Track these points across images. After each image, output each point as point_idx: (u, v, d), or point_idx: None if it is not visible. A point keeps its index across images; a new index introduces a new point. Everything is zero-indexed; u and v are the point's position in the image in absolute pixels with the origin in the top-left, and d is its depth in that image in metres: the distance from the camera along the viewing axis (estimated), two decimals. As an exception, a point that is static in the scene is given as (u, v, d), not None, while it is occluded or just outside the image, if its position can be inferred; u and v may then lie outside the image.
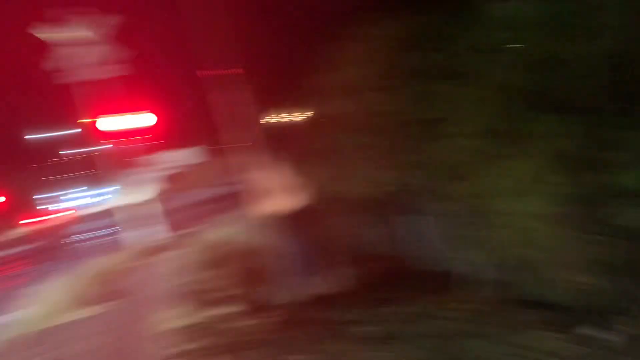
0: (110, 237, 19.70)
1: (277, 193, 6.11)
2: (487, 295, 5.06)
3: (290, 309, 6.02)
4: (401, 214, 6.36)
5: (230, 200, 19.24)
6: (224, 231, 10.90)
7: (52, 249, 21.32)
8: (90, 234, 23.04)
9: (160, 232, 13.21)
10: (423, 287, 5.87)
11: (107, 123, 13.23)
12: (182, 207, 23.77)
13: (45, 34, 11.98)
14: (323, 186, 7.16)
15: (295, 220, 6.29)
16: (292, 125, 11.06)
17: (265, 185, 6.11)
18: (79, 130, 13.12)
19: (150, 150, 14.28)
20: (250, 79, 6.03)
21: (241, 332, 5.64)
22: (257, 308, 6.23)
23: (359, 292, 6.16)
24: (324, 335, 5.02)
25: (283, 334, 5.32)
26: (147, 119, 12.94)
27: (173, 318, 6.42)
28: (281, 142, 7.26)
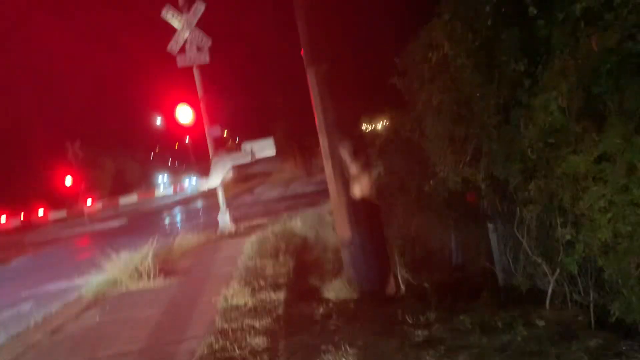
0: (188, 220, 20.52)
1: (355, 189, 5.83)
2: (572, 315, 4.44)
3: (345, 303, 5.67)
4: (481, 219, 5.85)
5: (305, 197, 19.31)
6: (290, 224, 10.81)
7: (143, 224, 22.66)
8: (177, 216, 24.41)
9: (228, 219, 13.31)
10: (498, 301, 5.35)
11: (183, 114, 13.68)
12: (255, 200, 24.37)
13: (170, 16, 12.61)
14: (405, 183, 6.79)
15: (367, 217, 5.97)
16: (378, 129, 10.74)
17: (342, 182, 5.85)
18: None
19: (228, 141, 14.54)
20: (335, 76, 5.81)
21: (291, 317, 5.37)
22: (311, 298, 5.95)
23: (422, 297, 5.71)
24: (378, 331, 4.61)
25: (332, 324, 4.96)
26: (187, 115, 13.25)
27: (228, 297, 6.32)
28: (365, 140, 6.89)
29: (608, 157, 3.38)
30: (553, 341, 4.00)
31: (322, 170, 6.47)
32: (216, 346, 4.73)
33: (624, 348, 3.68)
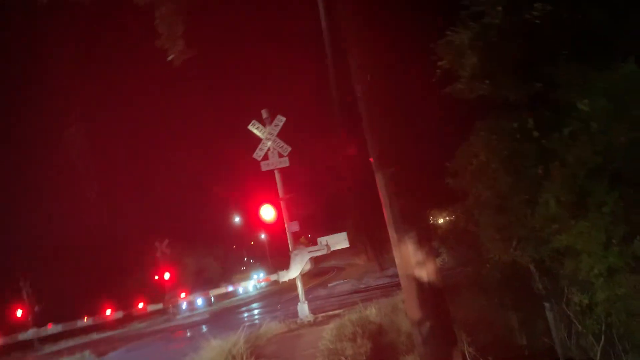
0: (271, 311, 21.51)
1: (422, 274, 6.80)
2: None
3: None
4: (536, 299, 6.56)
5: (379, 289, 19.87)
6: (365, 313, 11.59)
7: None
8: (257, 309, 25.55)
9: (307, 309, 14.22)
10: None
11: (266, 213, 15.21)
12: (329, 293, 25.06)
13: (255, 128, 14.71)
14: (466, 267, 7.67)
15: (434, 299, 6.86)
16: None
17: (410, 268, 6.84)
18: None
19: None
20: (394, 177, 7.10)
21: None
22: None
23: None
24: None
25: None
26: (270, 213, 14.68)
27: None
28: (429, 231, 7.93)
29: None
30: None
31: (395, 263, 7.41)
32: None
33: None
